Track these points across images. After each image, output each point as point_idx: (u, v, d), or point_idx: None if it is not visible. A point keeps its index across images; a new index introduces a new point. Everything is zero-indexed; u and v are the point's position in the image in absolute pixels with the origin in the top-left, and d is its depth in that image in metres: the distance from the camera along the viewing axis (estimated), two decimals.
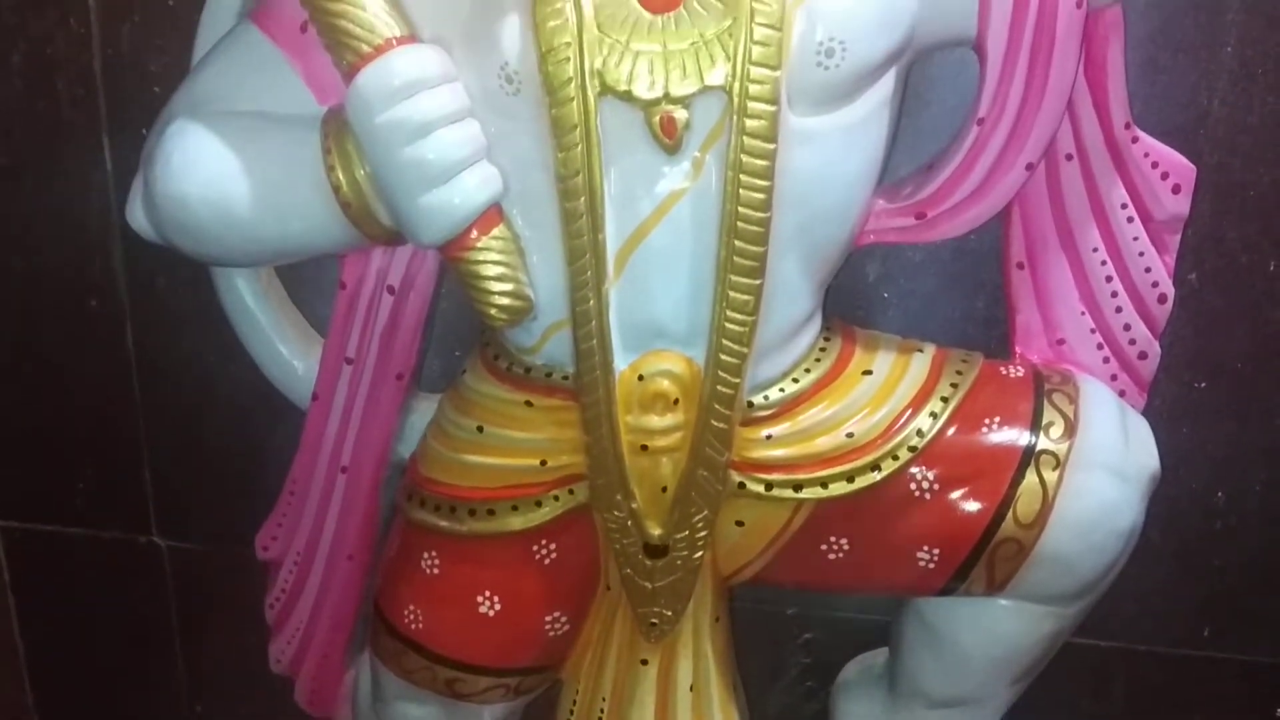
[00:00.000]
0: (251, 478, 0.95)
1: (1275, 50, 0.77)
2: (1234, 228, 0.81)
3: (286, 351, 0.79)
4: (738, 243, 0.60)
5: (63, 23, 0.87)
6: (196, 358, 0.94)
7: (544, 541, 0.69)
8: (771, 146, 0.58)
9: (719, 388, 0.63)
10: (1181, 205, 0.69)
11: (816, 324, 0.68)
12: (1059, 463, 0.66)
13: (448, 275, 0.73)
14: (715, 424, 0.64)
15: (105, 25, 0.87)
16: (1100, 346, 0.72)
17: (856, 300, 0.84)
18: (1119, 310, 0.71)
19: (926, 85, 0.76)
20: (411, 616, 0.72)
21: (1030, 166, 0.63)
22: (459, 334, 0.84)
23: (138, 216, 0.66)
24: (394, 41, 0.58)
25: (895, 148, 0.67)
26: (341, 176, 0.61)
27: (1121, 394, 0.73)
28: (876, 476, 0.66)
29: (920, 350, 0.70)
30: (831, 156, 0.61)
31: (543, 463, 0.68)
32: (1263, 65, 0.78)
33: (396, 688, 0.76)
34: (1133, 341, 0.72)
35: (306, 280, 0.82)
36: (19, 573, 1.08)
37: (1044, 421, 0.67)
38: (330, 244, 0.66)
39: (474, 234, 0.60)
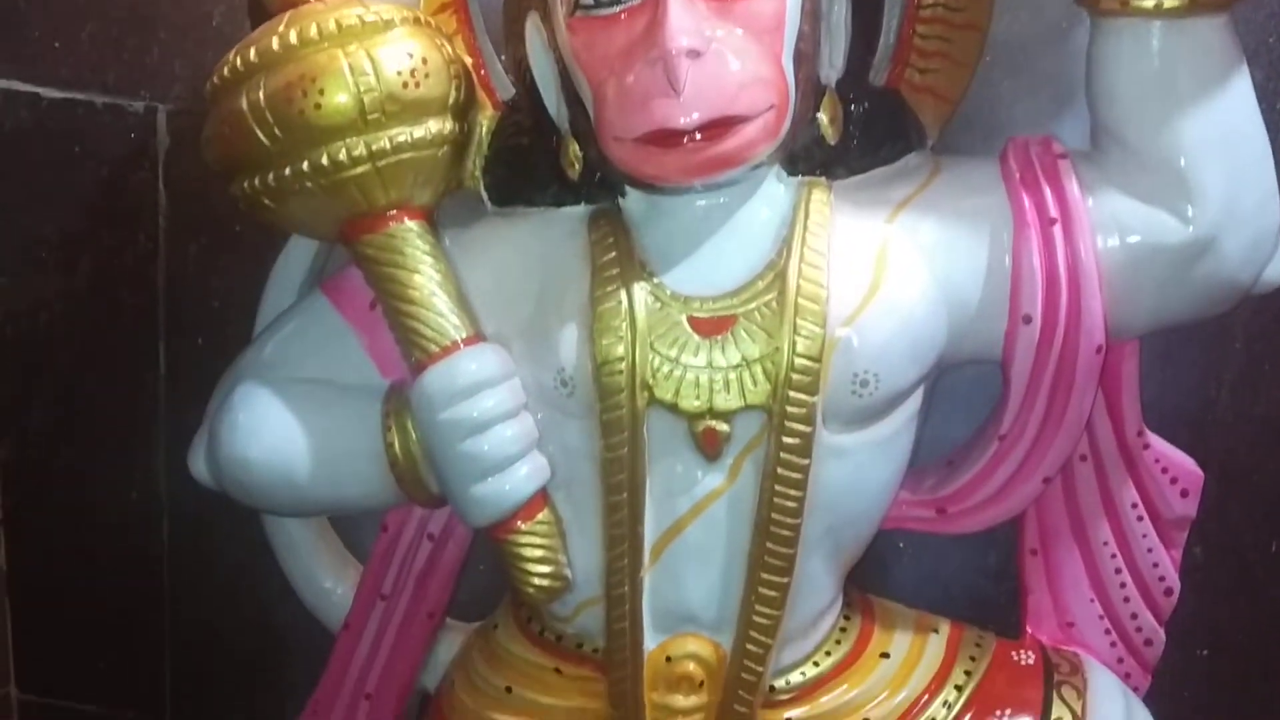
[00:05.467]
0: (269, 671, 0.97)
1: None
2: (1238, 508, 0.84)
3: (322, 576, 0.81)
4: (769, 544, 0.63)
5: (132, 239, 0.93)
6: (228, 555, 0.97)
7: None
8: (806, 461, 0.61)
9: (743, 674, 0.66)
10: (1189, 508, 0.73)
11: (838, 606, 0.71)
12: None
13: None
14: (738, 708, 0.66)
15: (172, 243, 0.92)
16: (1108, 632, 0.75)
17: (872, 550, 0.87)
18: (1127, 600, 0.74)
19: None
20: None
21: (1047, 480, 0.67)
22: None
23: (199, 466, 0.70)
24: (460, 344, 0.62)
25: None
26: (399, 451, 0.64)
27: (1126, 676, 0.75)
28: None
29: (936, 630, 0.73)
30: (862, 468, 0.64)
31: None
32: (1270, 360, 0.82)
33: None
34: (1139, 629, 0.75)
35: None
36: None
37: (1053, 715, 0.69)
38: (380, 505, 0.70)
39: (519, 521, 0.63)
